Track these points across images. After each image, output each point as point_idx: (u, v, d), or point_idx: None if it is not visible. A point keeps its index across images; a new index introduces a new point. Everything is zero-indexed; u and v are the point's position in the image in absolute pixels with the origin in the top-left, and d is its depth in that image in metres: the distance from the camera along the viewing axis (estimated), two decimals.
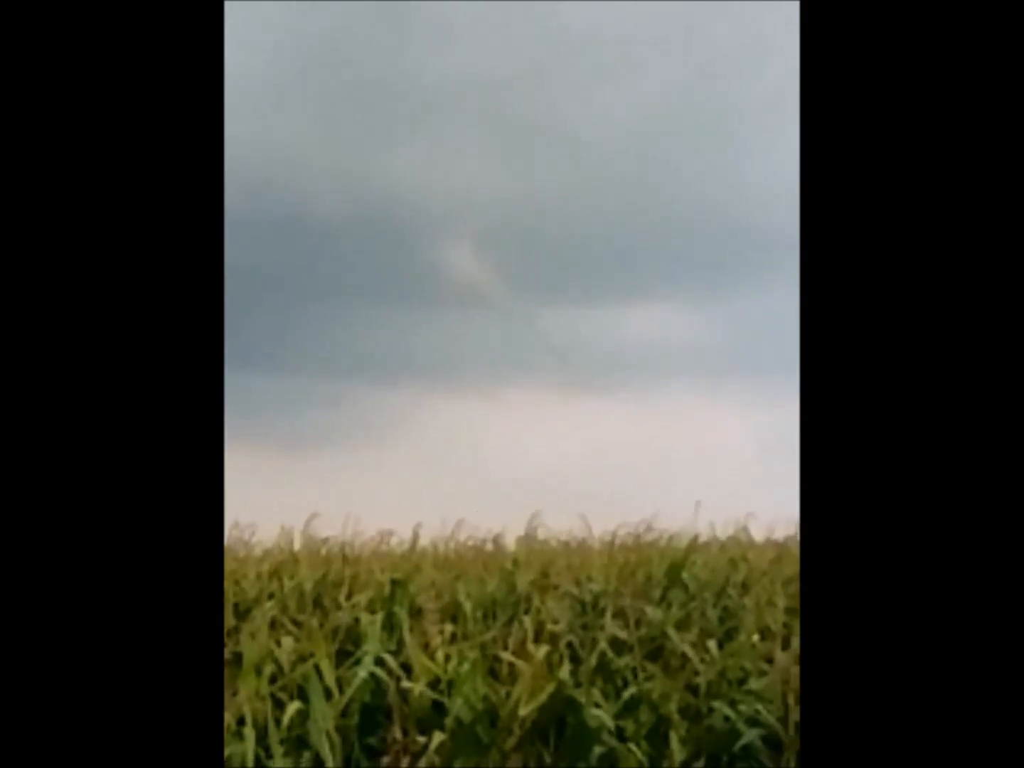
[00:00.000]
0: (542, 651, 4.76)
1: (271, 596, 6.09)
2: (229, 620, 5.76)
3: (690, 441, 12.19)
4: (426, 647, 5.01)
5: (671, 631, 5.58)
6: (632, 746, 4.66)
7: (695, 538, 7.55)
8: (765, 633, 5.43)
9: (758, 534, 7.96)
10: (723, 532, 7.93)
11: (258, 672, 4.47)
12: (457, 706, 4.61)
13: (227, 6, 2.08)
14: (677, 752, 4.70)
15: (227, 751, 4.02)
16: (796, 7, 2.07)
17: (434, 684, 4.79)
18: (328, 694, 4.51)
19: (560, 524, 7.85)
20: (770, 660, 5.02)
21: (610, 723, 4.69)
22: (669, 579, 6.63)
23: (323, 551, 7.37)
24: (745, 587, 6.60)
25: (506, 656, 4.83)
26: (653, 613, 5.84)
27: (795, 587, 6.64)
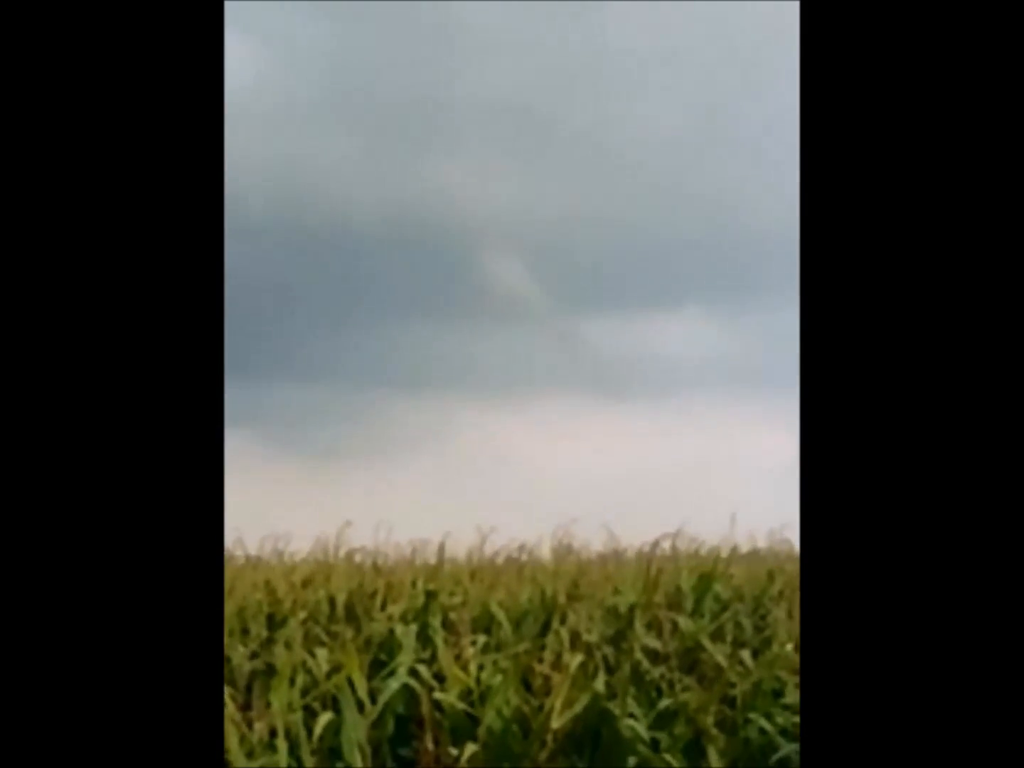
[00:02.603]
0: (576, 661, 4.73)
1: (305, 607, 6.10)
2: (263, 631, 5.78)
3: (725, 452, 12.11)
4: (459, 658, 4.99)
5: (706, 642, 5.53)
6: (668, 756, 4.62)
7: (732, 549, 7.50)
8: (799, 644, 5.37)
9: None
10: (761, 543, 7.89)
11: (291, 683, 4.47)
12: (490, 717, 4.58)
13: (271, 23, 2.06)
14: (714, 764, 4.65)
15: (260, 762, 4.02)
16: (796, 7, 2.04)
17: (467, 695, 4.78)
18: (360, 706, 4.50)
19: (594, 535, 7.82)
20: None
21: (645, 735, 4.64)
22: (700, 590, 6.58)
23: (357, 560, 7.39)
24: (781, 597, 6.54)
25: (539, 668, 4.79)
26: (685, 624, 5.79)
27: None
